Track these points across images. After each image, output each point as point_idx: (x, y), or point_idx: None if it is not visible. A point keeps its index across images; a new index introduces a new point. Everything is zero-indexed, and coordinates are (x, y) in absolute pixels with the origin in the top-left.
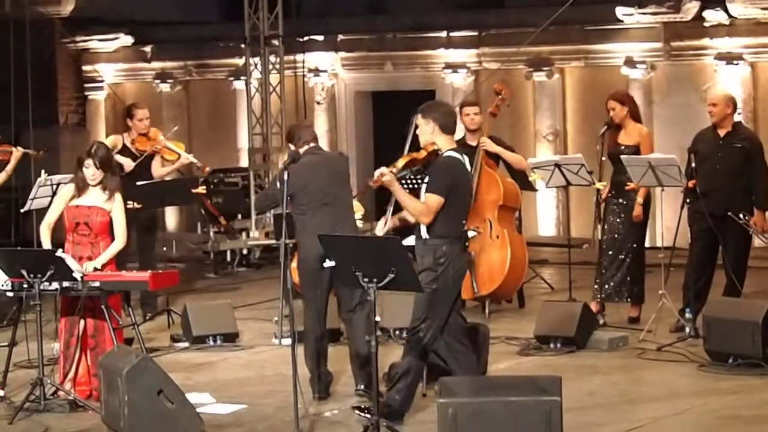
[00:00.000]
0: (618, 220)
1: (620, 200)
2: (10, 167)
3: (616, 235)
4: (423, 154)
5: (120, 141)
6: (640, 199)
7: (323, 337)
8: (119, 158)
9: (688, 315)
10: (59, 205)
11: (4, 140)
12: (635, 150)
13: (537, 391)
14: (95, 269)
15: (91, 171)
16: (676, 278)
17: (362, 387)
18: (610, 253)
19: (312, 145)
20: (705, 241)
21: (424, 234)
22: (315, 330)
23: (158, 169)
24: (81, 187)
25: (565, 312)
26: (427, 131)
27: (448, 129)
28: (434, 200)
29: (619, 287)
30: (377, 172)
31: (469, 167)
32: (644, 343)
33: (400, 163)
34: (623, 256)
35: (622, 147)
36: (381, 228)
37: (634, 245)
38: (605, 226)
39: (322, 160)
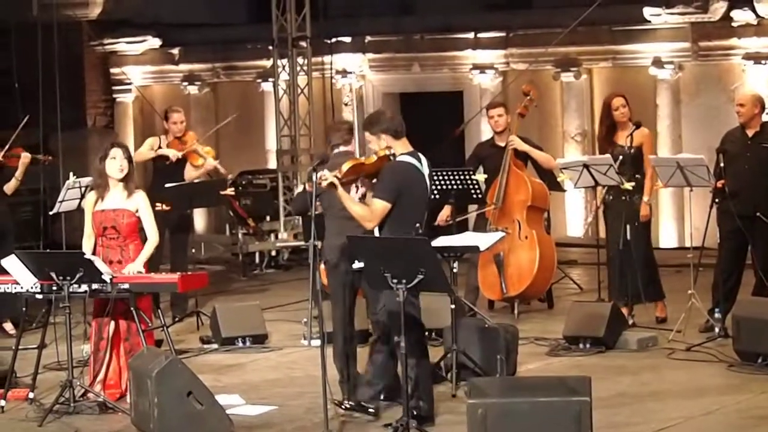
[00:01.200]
0: (622, 222)
1: (626, 201)
2: (18, 173)
3: (622, 238)
4: (372, 159)
5: (157, 143)
6: (646, 197)
7: (352, 339)
8: (164, 151)
9: (717, 315)
10: (89, 216)
11: (15, 144)
12: (638, 151)
13: (567, 391)
14: (138, 272)
15: (118, 162)
16: (705, 278)
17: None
18: (625, 255)
19: (341, 149)
20: (734, 241)
21: None
22: (343, 331)
23: (189, 173)
24: (102, 188)
25: (594, 312)
26: (381, 145)
27: (399, 133)
28: (379, 205)
29: (636, 289)
30: (318, 175)
31: (426, 170)
32: (673, 344)
33: (345, 167)
34: (633, 258)
35: (625, 148)
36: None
37: (642, 245)
38: (609, 230)
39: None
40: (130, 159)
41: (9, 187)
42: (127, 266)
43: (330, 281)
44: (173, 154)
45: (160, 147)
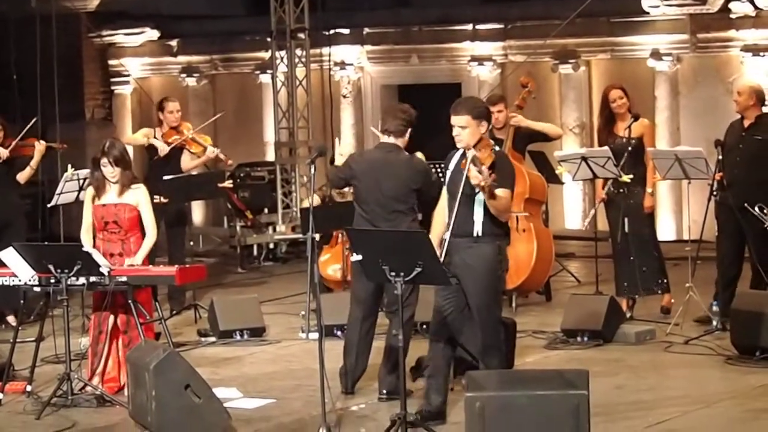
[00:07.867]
0: (625, 213)
1: (625, 193)
2: (34, 162)
3: (626, 230)
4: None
5: (152, 134)
6: (649, 189)
7: (368, 332)
8: (155, 142)
9: (714, 308)
10: (88, 209)
11: (28, 134)
12: (639, 142)
13: (564, 384)
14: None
15: (108, 169)
16: (703, 271)
17: (385, 392)
18: (624, 248)
19: (384, 140)
20: (732, 232)
21: None
22: (359, 323)
23: (187, 163)
24: (101, 187)
25: (591, 305)
26: (480, 131)
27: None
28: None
29: (643, 281)
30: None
31: None
32: (671, 337)
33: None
34: (640, 250)
35: (624, 139)
36: None
37: (647, 236)
38: (612, 222)
39: (380, 159)
40: (118, 160)
41: (23, 176)
42: (125, 261)
43: (357, 276)
44: (162, 147)
45: (155, 138)
